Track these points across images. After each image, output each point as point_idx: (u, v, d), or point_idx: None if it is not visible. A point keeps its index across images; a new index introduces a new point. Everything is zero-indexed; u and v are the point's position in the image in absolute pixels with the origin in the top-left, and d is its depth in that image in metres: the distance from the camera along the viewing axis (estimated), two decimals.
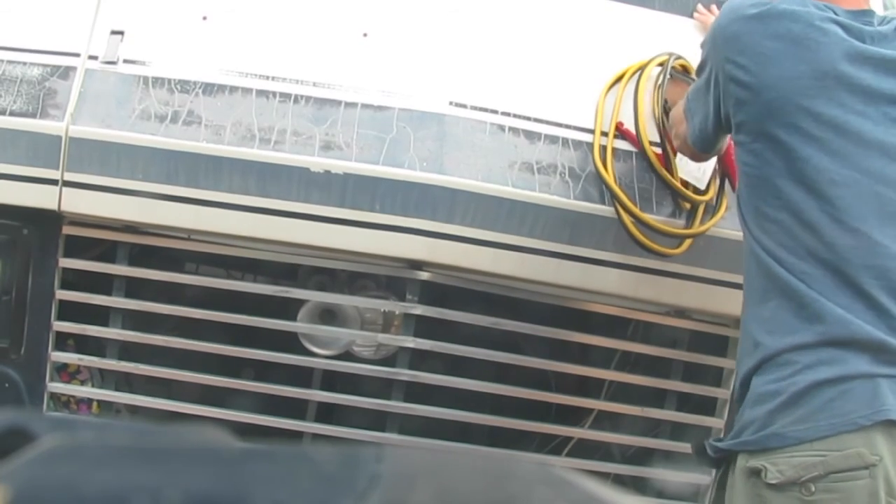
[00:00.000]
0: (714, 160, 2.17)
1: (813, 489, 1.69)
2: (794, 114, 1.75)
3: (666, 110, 2.20)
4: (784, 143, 1.76)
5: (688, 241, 2.15)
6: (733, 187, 2.20)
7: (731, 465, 1.82)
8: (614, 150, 2.16)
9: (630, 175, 2.15)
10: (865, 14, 1.82)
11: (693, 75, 2.21)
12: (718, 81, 1.83)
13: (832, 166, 1.74)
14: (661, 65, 2.26)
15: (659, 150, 2.17)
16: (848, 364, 1.71)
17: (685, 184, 2.17)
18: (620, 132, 2.20)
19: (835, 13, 1.79)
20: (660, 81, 2.23)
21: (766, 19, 1.78)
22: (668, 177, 2.15)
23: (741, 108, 1.80)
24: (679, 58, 2.26)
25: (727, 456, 1.83)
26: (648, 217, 2.11)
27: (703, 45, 1.93)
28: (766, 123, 1.77)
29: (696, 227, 2.16)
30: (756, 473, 1.74)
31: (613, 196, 2.11)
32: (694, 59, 2.33)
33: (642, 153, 2.17)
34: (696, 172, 2.17)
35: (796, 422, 1.72)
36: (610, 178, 2.12)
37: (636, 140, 2.18)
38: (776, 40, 1.77)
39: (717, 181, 2.20)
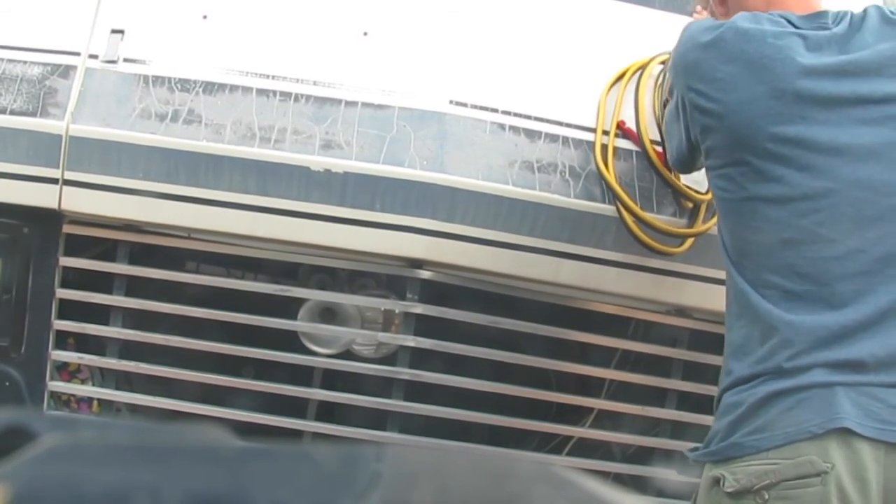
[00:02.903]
0: None
1: (766, 496, 1.70)
2: (758, 136, 1.75)
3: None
4: (753, 166, 1.76)
5: (690, 240, 2.15)
6: None
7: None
8: (615, 148, 2.16)
9: (631, 174, 2.15)
10: (819, 17, 1.81)
11: None
12: (686, 108, 1.84)
13: (805, 181, 1.74)
14: (662, 63, 2.25)
15: (660, 149, 2.17)
16: (808, 375, 1.71)
17: (686, 185, 2.17)
18: (622, 131, 2.19)
19: (789, 22, 1.79)
20: (660, 80, 2.23)
21: (719, 44, 1.79)
22: (670, 176, 2.15)
23: (708, 134, 1.81)
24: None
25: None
26: (650, 216, 2.11)
27: (668, 71, 1.96)
28: (734, 148, 1.78)
29: (698, 226, 2.15)
30: (716, 482, 1.76)
31: (615, 195, 2.10)
32: None
33: (644, 152, 2.17)
34: (696, 174, 2.17)
35: (754, 431, 1.73)
36: (611, 178, 2.12)
37: (637, 139, 2.18)
38: (731, 64, 1.78)
39: None
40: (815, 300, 1.73)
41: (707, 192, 2.18)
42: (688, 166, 1.99)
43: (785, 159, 1.74)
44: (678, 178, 2.16)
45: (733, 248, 1.82)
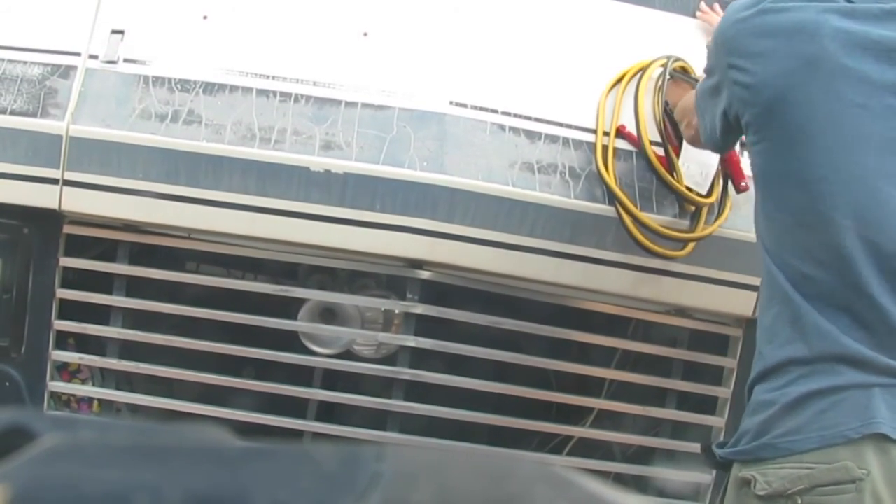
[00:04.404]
0: (715, 162, 2.16)
1: (799, 502, 1.67)
2: (791, 111, 1.71)
3: (667, 112, 2.20)
4: (783, 142, 1.73)
5: (692, 244, 2.15)
6: (736, 189, 2.19)
7: (729, 472, 1.82)
8: (616, 150, 2.16)
9: (631, 177, 2.15)
10: None
11: (693, 76, 2.19)
12: (725, 86, 1.80)
13: (827, 163, 1.69)
14: (662, 66, 2.25)
15: (661, 152, 2.17)
16: (842, 375, 1.68)
17: (688, 188, 2.16)
18: (622, 134, 2.19)
19: None
20: (660, 84, 2.22)
21: (759, 18, 1.75)
22: (671, 180, 2.15)
23: (746, 109, 1.77)
24: (678, 59, 2.25)
25: (728, 462, 1.82)
26: (650, 220, 2.11)
27: (708, 50, 1.92)
28: (768, 123, 1.74)
29: (700, 230, 2.15)
30: (746, 483, 1.73)
31: (615, 199, 2.10)
32: (694, 58, 2.33)
33: (644, 155, 2.16)
34: (698, 177, 2.16)
35: (788, 433, 1.70)
36: (612, 181, 2.11)
37: (637, 142, 2.18)
38: (770, 38, 1.73)
39: (721, 184, 2.19)
40: (827, 288, 1.69)
41: (709, 196, 2.18)
42: (718, 145, 1.94)
43: (812, 137, 1.69)
44: (680, 182, 2.16)
45: (764, 227, 1.78)
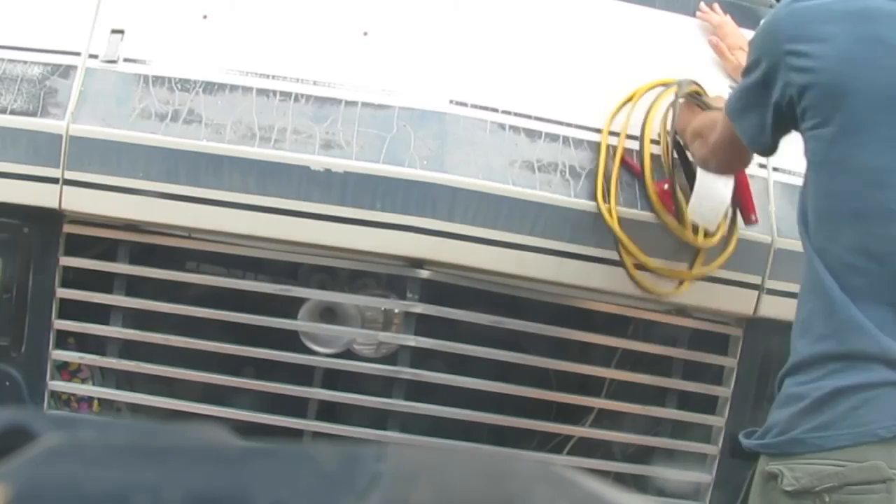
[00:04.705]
0: (728, 200, 2.10)
1: (827, 500, 1.66)
2: (853, 97, 1.66)
3: (676, 142, 2.14)
4: (843, 128, 1.67)
5: (686, 283, 2.13)
6: (746, 221, 2.14)
7: (755, 464, 1.80)
8: (619, 180, 2.12)
9: (634, 206, 2.13)
10: None
11: (705, 98, 2.14)
12: (779, 75, 1.73)
13: (889, 151, 1.65)
14: (674, 91, 2.18)
15: (666, 187, 2.11)
16: (874, 372, 1.66)
17: (694, 224, 2.11)
18: (626, 164, 2.15)
19: None
20: (670, 115, 2.16)
21: (820, 2, 1.71)
22: (670, 222, 2.10)
23: (805, 93, 1.71)
24: (692, 83, 2.19)
25: (755, 454, 1.80)
26: (652, 262, 2.09)
27: (752, 44, 1.86)
28: (828, 107, 1.69)
29: (698, 269, 2.13)
30: (773, 477, 1.71)
31: (616, 239, 2.08)
32: (695, 58, 2.33)
33: (646, 196, 2.12)
34: (706, 212, 2.09)
35: (818, 428, 1.68)
36: (613, 222, 2.08)
37: (640, 174, 2.14)
38: (833, 23, 1.69)
39: (728, 220, 2.15)
40: (876, 281, 1.66)
41: (712, 236, 2.12)
42: (767, 144, 1.84)
43: (871, 124, 1.66)
44: (683, 220, 2.10)
45: (813, 217, 1.73)
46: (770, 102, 1.76)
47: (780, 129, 1.81)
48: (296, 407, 2.18)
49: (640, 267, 2.11)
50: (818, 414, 1.68)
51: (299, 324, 2.15)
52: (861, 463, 1.64)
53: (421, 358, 2.16)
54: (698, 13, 2.46)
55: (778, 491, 1.70)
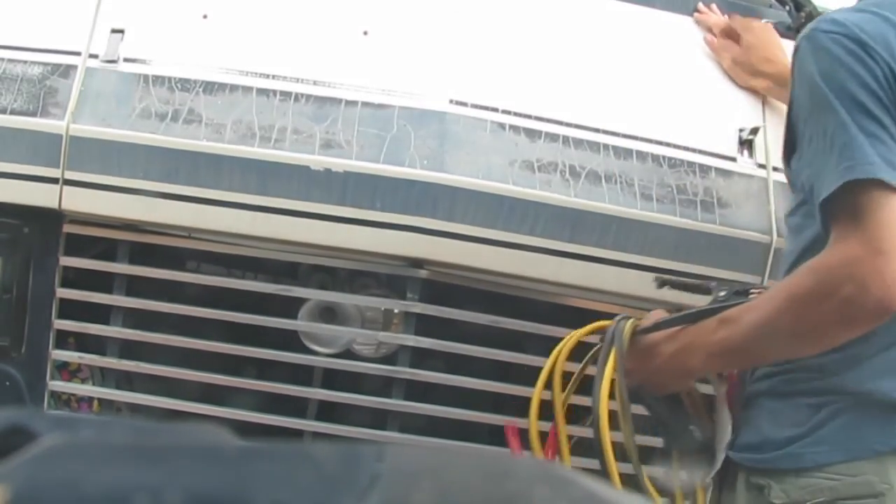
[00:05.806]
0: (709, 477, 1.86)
1: None
2: None
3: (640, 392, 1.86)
4: None
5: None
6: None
7: (732, 469, 1.78)
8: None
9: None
10: None
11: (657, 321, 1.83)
12: (844, 106, 1.59)
13: None
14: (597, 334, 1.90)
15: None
16: (866, 387, 1.65)
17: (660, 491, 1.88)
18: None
19: None
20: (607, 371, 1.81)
21: (864, 21, 1.61)
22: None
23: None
24: (625, 318, 1.85)
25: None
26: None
27: (808, 98, 1.66)
28: None
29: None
30: (759, 489, 1.70)
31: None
32: (695, 60, 2.32)
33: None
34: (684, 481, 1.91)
35: (812, 444, 1.67)
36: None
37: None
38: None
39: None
40: None
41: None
42: None
43: None
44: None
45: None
46: (887, 123, 1.59)
47: None
48: (295, 407, 2.18)
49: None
50: (814, 428, 1.67)
51: (299, 324, 2.15)
52: (854, 477, 1.64)
53: (420, 358, 2.16)
54: (696, 14, 2.45)
55: (766, 503, 1.69)
